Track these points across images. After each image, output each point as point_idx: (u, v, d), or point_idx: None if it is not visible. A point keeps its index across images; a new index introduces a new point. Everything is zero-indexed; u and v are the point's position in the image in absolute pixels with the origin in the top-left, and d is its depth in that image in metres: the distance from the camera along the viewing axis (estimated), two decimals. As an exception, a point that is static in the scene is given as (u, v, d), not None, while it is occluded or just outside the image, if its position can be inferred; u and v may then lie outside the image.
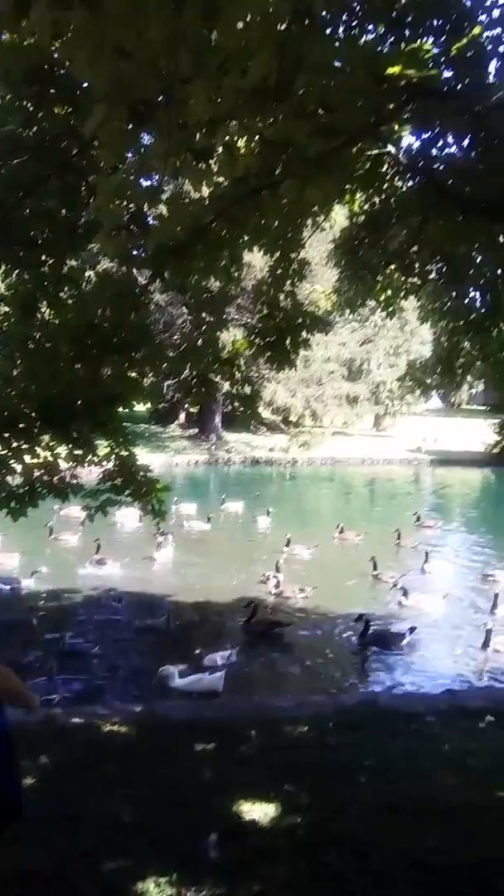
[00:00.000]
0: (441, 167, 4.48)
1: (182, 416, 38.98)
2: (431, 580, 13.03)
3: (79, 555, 13.44)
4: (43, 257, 4.58)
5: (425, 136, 4.38)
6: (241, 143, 3.85)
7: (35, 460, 4.69)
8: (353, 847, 3.48)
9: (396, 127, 4.16)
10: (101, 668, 8.45)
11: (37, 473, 4.73)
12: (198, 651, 8.22)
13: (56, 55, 3.54)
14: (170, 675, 7.40)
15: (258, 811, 3.83)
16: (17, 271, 4.72)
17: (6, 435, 4.39)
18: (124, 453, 5.19)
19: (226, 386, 5.17)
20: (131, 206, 3.31)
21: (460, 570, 14.08)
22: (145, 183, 2.93)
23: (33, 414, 4.43)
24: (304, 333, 4.92)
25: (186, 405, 36.62)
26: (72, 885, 3.08)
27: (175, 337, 23.62)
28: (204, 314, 4.81)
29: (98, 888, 3.08)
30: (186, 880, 3.15)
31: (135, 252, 4.37)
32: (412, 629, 9.69)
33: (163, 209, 3.53)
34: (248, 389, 5.02)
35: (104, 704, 5.81)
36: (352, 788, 4.18)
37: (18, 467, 4.62)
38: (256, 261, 21.07)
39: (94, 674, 8.27)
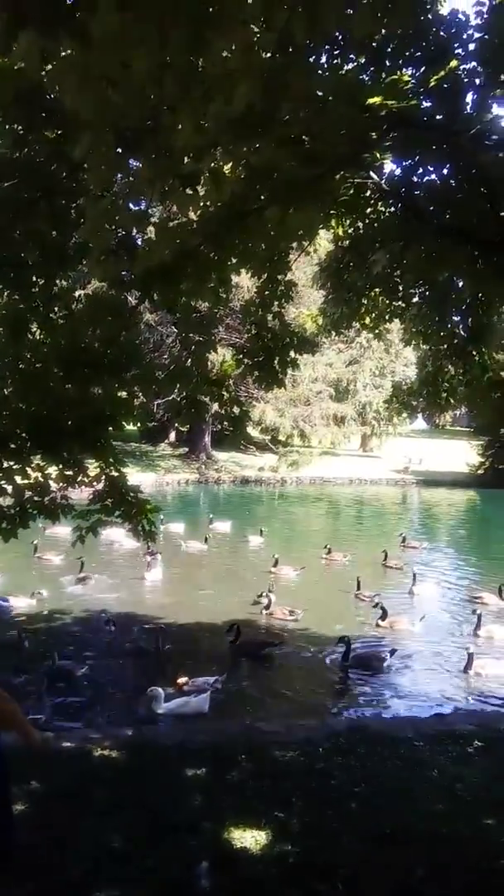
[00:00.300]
0: (422, 194, 4.57)
1: (172, 435, 38.95)
2: (418, 601, 13.02)
3: (63, 574, 13.36)
4: (34, 278, 4.59)
5: (406, 163, 4.47)
6: (227, 168, 3.91)
7: (26, 481, 4.67)
8: (344, 875, 3.44)
9: (378, 155, 4.24)
10: (90, 690, 8.34)
11: (28, 494, 4.71)
12: (183, 676, 8.11)
13: (45, 80, 3.59)
14: (157, 697, 7.33)
15: (249, 838, 3.78)
16: (6, 292, 4.73)
17: (-3, 455, 4.38)
18: (115, 474, 5.18)
19: (215, 407, 5.18)
20: (120, 230, 3.34)
21: (446, 592, 14.08)
22: (134, 207, 2.95)
23: (24, 434, 4.42)
24: (291, 353, 4.97)
25: (176, 424, 36.61)
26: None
27: (165, 357, 23.71)
28: (193, 335, 4.83)
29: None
30: (177, 910, 3.09)
31: (124, 274, 4.42)
32: (392, 651, 9.68)
33: (151, 233, 3.57)
34: (236, 410, 5.02)
35: (95, 728, 5.73)
36: (342, 815, 4.13)
37: (9, 488, 4.60)
38: (244, 282, 21.25)
39: (82, 695, 8.16)
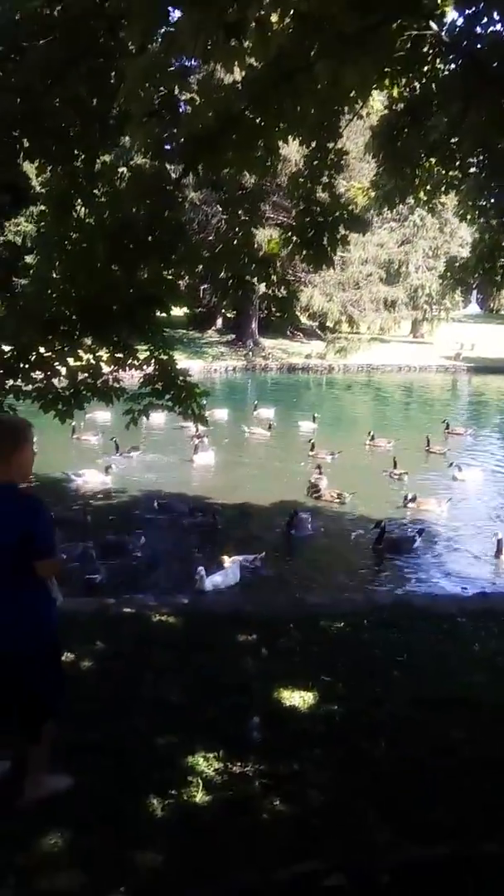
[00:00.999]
0: (485, 48, 4.15)
1: (219, 322, 38.50)
2: (460, 487, 13.16)
3: (101, 454, 13.98)
4: (75, 151, 4.42)
5: (469, 12, 4.06)
6: (274, 17, 3.58)
7: (78, 363, 4.71)
8: (386, 735, 3.67)
9: (439, 1, 3.84)
10: (146, 562, 8.89)
11: (81, 376, 4.77)
12: (225, 554, 8.47)
13: None
14: (201, 577, 7.71)
15: (297, 698, 4.04)
16: (50, 167, 4.58)
17: (49, 337, 4.40)
18: (164, 357, 5.18)
19: (262, 288, 5.04)
20: (161, 89, 3.13)
21: (490, 479, 14.12)
22: (175, 64, 2.75)
23: (73, 316, 4.42)
24: (342, 229, 4.72)
25: (223, 310, 36.11)
26: (126, 757, 3.33)
27: (210, 237, 22.97)
28: (239, 211, 4.62)
29: (150, 760, 3.32)
30: (232, 757, 3.37)
31: (167, 146, 4.21)
32: (421, 532, 9.87)
33: (194, 95, 3.35)
34: (284, 291, 4.88)
35: (152, 596, 6.09)
36: (385, 682, 4.36)
37: (63, 370, 4.66)
38: (292, 154, 20.07)
39: (138, 566, 8.72)
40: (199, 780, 3.18)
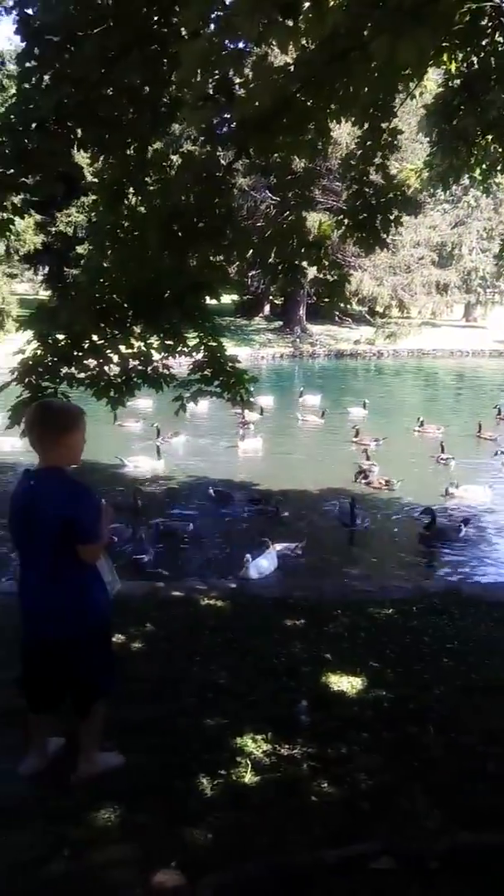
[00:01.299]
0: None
1: (266, 309, 38.42)
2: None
3: (142, 440, 14.27)
4: (128, 139, 4.45)
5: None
6: (330, -4, 3.52)
7: (129, 350, 4.77)
8: (436, 721, 3.65)
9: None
10: (195, 547, 9.00)
11: (132, 363, 4.83)
12: (269, 542, 8.50)
13: None
14: (248, 564, 7.75)
15: (345, 683, 4.05)
16: (102, 157, 4.63)
17: (102, 325, 4.47)
18: (213, 344, 5.21)
19: (312, 272, 5.01)
20: (216, 73, 3.12)
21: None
22: (230, 47, 2.74)
23: (125, 304, 4.47)
24: (395, 210, 4.65)
25: (271, 297, 36.00)
26: (177, 737, 3.40)
27: (259, 223, 22.93)
28: (290, 194, 4.58)
29: (200, 741, 3.38)
30: (280, 739, 3.41)
31: (219, 131, 4.20)
32: (467, 521, 9.72)
33: (249, 76, 3.33)
34: (335, 275, 4.83)
35: (201, 580, 6.18)
36: (435, 669, 4.33)
37: (115, 357, 4.73)
38: (342, 137, 19.79)
39: (187, 551, 8.88)
40: (248, 761, 3.22)
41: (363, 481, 11.93)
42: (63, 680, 3.05)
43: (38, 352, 4.67)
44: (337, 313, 33.90)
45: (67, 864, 2.59)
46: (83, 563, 2.89)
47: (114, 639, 4.35)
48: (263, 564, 7.87)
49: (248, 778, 3.12)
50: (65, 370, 4.74)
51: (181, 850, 2.65)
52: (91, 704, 3.08)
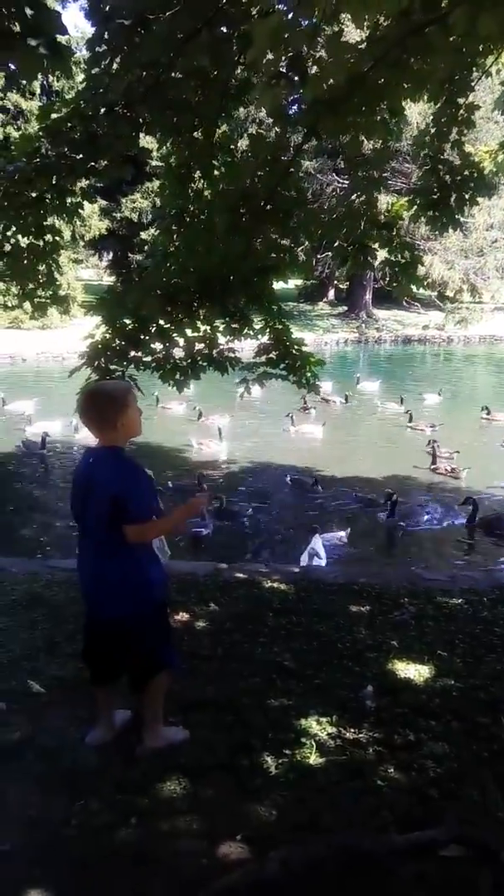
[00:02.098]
0: None
1: (331, 294, 38.04)
2: None
3: (185, 422, 14.51)
4: (195, 122, 4.46)
5: None
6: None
7: (196, 333, 4.81)
8: (507, 712, 3.56)
9: None
10: (257, 531, 9.07)
11: (198, 347, 4.87)
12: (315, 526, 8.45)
13: None
14: (316, 553, 7.72)
15: (412, 671, 4.00)
16: (170, 140, 4.66)
17: (168, 309, 4.52)
18: (279, 327, 5.19)
19: (382, 254, 4.91)
20: (289, 51, 3.09)
21: None
22: (304, 23, 2.69)
23: (192, 288, 4.50)
24: (471, 187, 4.50)
25: (336, 281, 35.56)
26: (241, 716, 3.43)
27: (325, 207, 22.73)
28: (361, 173, 4.49)
29: (264, 720, 3.40)
30: (346, 722, 3.40)
31: (289, 111, 4.16)
32: None
33: (322, 54, 3.28)
34: (407, 256, 4.73)
35: (265, 564, 6.21)
36: (505, 660, 4.22)
37: (181, 340, 4.78)
38: (413, 117, 19.31)
39: (249, 535, 8.97)
40: (313, 742, 3.22)
41: (431, 467, 11.76)
42: (121, 656, 3.13)
43: (107, 336, 4.77)
44: (405, 298, 33.18)
45: (136, 831, 2.66)
46: (136, 542, 2.92)
47: (177, 616, 4.45)
48: (321, 552, 7.83)
49: (313, 759, 3.12)
50: (132, 354, 4.83)
51: (246, 825, 2.69)
52: (150, 679, 3.13)
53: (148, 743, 3.17)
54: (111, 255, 40.15)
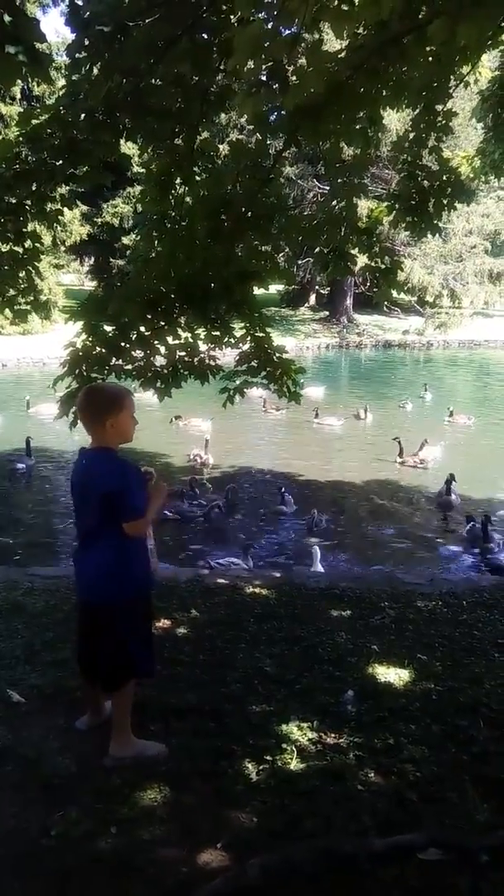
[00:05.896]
0: None
1: (312, 299, 38.17)
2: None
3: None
4: (176, 129, 4.47)
5: None
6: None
7: (177, 341, 4.80)
8: (486, 715, 3.59)
9: None
10: (243, 535, 9.15)
11: (179, 354, 4.86)
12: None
13: None
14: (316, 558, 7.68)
15: (392, 674, 4.02)
16: (151, 147, 4.65)
17: (149, 316, 4.51)
18: (260, 335, 5.19)
19: (363, 260, 4.94)
20: (269, 60, 3.11)
21: None
22: (284, 32, 2.72)
23: (172, 295, 4.50)
24: (449, 192, 4.55)
25: (317, 287, 35.72)
26: (222, 721, 3.43)
27: (306, 212, 22.84)
28: (340, 179, 4.53)
29: (245, 725, 3.40)
30: (326, 727, 3.41)
31: (270, 118, 4.17)
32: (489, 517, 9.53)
33: (302, 63, 3.30)
34: (387, 262, 4.76)
35: (247, 569, 6.21)
36: (485, 663, 4.25)
37: (162, 348, 4.77)
38: (392, 123, 19.49)
39: (233, 538, 9.03)
40: (294, 748, 3.23)
41: (398, 460, 11.95)
42: (94, 645, 3.16)
43: (88, 343, 4.74)
44: (385, 303, 33.44)
45: (116, 840, 2.65)
46: (126, 535, 3.01)
47: (158, 623, 4.43)
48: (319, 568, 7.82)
49: (294, 764, 3.13)
50: (113, 361, 4.80)
51: (227, 832, 2.68)
52: (119, 683, 3.13)
53: (112, 752, 3.14)
54: (92, 259, 40.02)
